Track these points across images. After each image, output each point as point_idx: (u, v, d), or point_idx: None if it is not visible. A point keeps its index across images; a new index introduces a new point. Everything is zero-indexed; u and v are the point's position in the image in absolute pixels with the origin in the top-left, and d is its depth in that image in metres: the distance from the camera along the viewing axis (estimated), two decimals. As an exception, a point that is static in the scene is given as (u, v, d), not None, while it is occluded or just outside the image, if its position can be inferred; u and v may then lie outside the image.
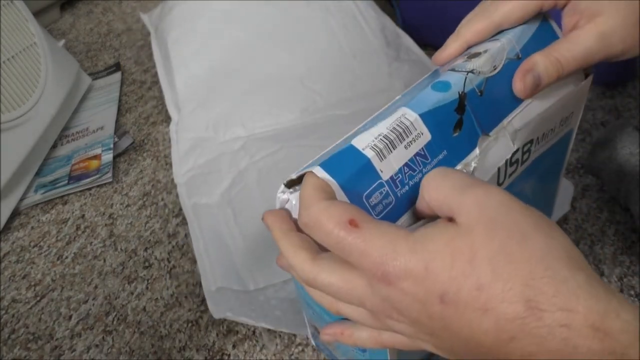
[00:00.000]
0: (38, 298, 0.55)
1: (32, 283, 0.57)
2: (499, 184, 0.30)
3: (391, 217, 0.25)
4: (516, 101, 0.29)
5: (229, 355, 0.46)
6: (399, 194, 0.25)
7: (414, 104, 0.27)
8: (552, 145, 0.33)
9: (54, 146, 0.75)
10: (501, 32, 0.32)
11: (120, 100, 0.83)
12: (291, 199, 0.26)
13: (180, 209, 0.61)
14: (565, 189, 0.51)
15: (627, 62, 0.63)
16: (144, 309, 0.51)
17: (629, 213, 0.50)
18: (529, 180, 0.34)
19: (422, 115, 0.26)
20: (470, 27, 0.31)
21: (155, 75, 0.87)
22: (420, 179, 0.25)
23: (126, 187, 0.67)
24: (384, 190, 0.25)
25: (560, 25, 0.32)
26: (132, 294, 0.53)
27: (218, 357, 0.46)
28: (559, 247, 0.20)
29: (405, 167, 0.26)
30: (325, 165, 0.24)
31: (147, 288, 0.53)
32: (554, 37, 0.31)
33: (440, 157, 0.27)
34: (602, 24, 0.29)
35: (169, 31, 0.78)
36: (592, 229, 0.50)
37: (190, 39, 0.76)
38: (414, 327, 0.22)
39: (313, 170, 0.24)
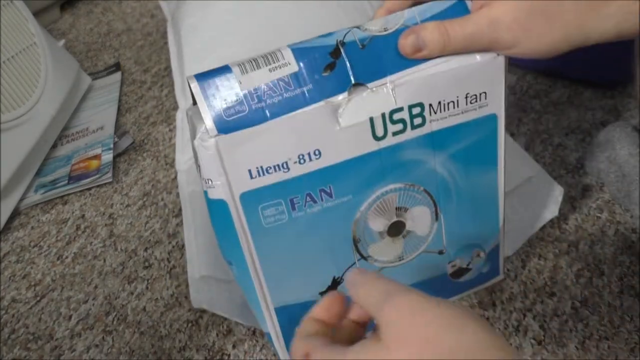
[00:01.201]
0: (38, 298, 0.55)
1: (32, 283, 0.57)
2: (377, 137, 0.32)
3: (241, 123, 0.30)
4: (405, 64, 0.32)
5: (229, 355, 0.46)
6: (253, 107, 0.30)
7: (295, 43, 0.32)
8: (462, 124, 0.34)
9: (54, 146, 0.75)
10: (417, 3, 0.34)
11: (120, 100, 0.83)
12: (189, 112, 0.32)
13: (180, 209, 0.61)
14: (555, 193, 0.51)
15: (627, 63, 0.63)
16: (144, 309, 0.51)
17: (629, 213, 0.50)
18: (443, 160, 0.35)
19: (293, 50, 0.31)
20: None
21: (155, 75, 0.87)
22: (280, 102, 0.30)
23: (126, 187, 0.67)
24: (239, 98, 0.30)
25: None
26: (132, 294, 0.53)
27: (218, 357, 0.46)
28: (469, 342, 0.21)
29: (265, 87, 0.30)
30: (199, 75, 0.30)
31: (147, 288, 0.53)
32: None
33: (305, 88, 0.31)
34: (495, 8, 0.30)
35: (183, 19, 0.78)
36: (592, 229, 0.50)
37: (202, 29, 0.76)
38: None
39: (187, 78, 0.30)
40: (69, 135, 0.77)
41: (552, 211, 0.50)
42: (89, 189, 0.68)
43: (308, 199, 0.33)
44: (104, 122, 0.77)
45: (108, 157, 0.70)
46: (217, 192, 0.32)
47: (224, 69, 0.31)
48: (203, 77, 0.30)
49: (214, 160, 0.30)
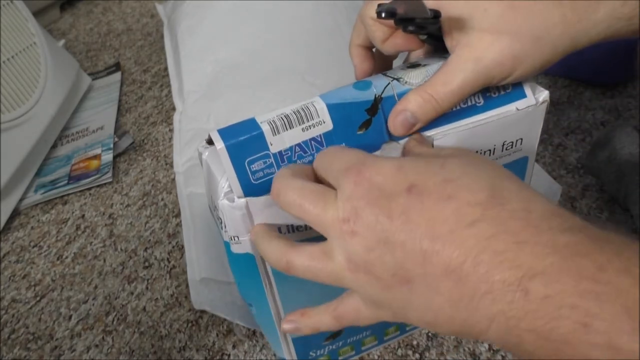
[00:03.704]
0: (38, 298, 0.55)
1: (32, 283, 0.57)
2: None
3: (270, 186, 0.27)
4: (444, 120, 0.30)
5: (229, 355, 0.46)
6: None
7: (328, 95, 0.29)
8: None
9: (54, 146, 0.75)
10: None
11: (120, 100, 0.83)
12: (203, 153, 0.29)
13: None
14: (553, 191, 0.51)
15: (627, 62, 0.63)
16: (144, 309, 0.51)
17: (629, 213, 0.50)
18: None
19: (329, 105, 0.28)
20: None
21: (155, 75, 0.87)
22: (311, 162, 0.28)
23: (126, 187, 0.67)
24: (269, 161, 0.28)
25: None
26: (132, 294, 0.53)
27: (218, 357, 0.46)
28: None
29: (297, 147, 0.28)
30: (223, 130, 0.28)
31: (147, 288, 0.53)
32: None
33: None
34: (476, 46, 0.27)
35: (179, 22, 0.79)
36: (592, 229, 0.50)
37: (199, 30, 0.76)
38: (367, 234, 0.22)
39: (210, 133, 0.28)
40: (69, 135, 0.77)
41: None
42: (89, 189, 0.68)
43: None
44: (104, 122, 0.77)
45: (108, 157, 0.70)
46: (243, 247, 0.30)
47: (252, 126, 0.28)
48: (229, 135, 0.27)
49: (243, 220, 0.28)
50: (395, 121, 0.28)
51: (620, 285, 0.17)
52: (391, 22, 0.28)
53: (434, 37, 0.29)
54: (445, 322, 0.21)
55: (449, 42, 0.29)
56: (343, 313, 0.26)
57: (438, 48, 0.31)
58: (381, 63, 0.35)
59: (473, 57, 0.27)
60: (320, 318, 0.27)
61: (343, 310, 0.26)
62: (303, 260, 0.24)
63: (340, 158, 0.24)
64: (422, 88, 0.28)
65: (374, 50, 0.34)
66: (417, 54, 0.34)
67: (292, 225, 0.29)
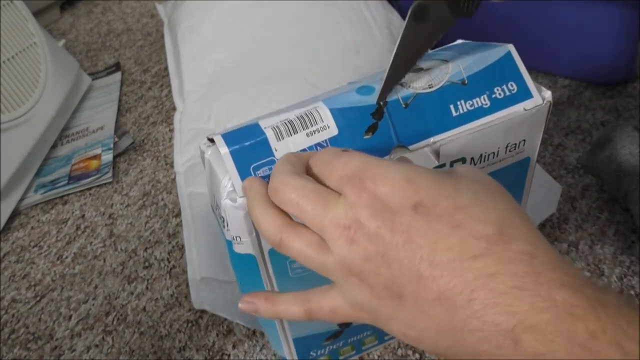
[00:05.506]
0: (38, 298, 0.55)
1: (32, 283, 0.57)
2: None
3: None
4: (450, 124, 0.30)
5: (229, 355, 0.46)
6: None
7: (331, 99, 0.29)
8: (499, 170, 0.33)
9: (54, 146, 0.75)
10: (456, 50, 0.32)
11: (120, 100, 0.83)
12: (206, 151, 0.29)
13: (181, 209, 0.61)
14: (553, 191, 0.51)
15: (627, 62, 0.63)
16: (144, 309, 0.51)
17: (629, 213, 0.50)
18: None
19: (333, 110, 0.28)
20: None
21: (155, 75, 0.87)
22: None
23: (126, 187, 0.67)
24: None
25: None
26: (132, 294, 0.53)
27: (218, 357, 0.46)
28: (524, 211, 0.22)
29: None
30: (227, 135, 0.28)
31: (147, 288, 0.53)
32: (514, 71, 0.31)
33: None
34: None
35: (180, 22, 0.79)
36: (592, 229, 0.50)
37: (199, 30, 0.76)
38: (366, 245, 0.21)
39: (214, 137, 0.28)
40: (69, 135, 0.77)
41: (550, 208, 0.50)
42: (89, 189, 0.68)
43: None
44: (104, 122, 0.77)
45: (108, 157, 0.70)
46: (245, 248, 0.30)
47: (256, 131, 0.28)
48: (233, 140, 0.28)
49: (245, 220, 0.28)
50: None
51: (609, 357, 0.17)
52: None
53: None
54: (428, 343, 0.21)
55: None
56: (317, 309, 0.25)
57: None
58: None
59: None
60: (287, 307, 0.26)
61: (318, 306, 0.25)
62: (299, 244, 0.23)
63: (343, 165, 0.23)
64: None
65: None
66: None
67: None
